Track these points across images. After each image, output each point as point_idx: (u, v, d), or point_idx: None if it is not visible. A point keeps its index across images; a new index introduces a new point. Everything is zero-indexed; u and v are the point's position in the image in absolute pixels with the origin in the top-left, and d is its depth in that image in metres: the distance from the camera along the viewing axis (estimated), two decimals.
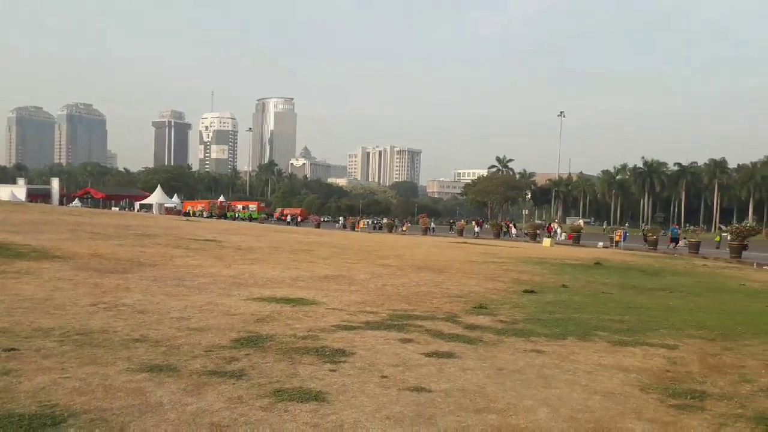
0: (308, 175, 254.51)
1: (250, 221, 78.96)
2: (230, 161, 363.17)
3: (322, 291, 11.76)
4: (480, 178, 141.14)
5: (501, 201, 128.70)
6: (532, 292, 13.16)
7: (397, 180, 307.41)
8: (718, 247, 42.69)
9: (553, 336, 8.15)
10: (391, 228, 68.79)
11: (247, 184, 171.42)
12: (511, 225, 65.18)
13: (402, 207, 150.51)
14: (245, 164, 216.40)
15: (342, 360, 6.32)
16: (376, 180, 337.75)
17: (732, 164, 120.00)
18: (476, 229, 62.38)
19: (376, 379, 5.71)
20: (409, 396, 5.23)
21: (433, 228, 67.66)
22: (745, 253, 32.65)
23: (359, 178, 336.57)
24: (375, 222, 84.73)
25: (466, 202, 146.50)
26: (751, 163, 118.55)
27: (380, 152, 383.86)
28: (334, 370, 5.91)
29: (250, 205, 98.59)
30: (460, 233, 59.64)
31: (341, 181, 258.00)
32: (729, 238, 37.17)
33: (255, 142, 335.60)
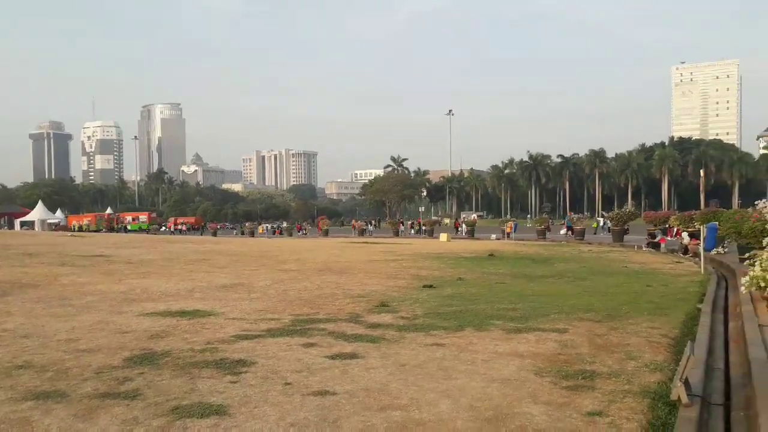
0: (201, 182, 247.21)
1: (142, 233, 75.82)
2: (116, 171, 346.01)
3: (220, 301, 11.47)
4: (377, 178, 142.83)
5: (398, 199, 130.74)
6: (431, 287, 13.44)
7: (294, 183, 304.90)
8: (595, 233, 45.82)
9: (452, 328, 8.37)
10: (291, 232, 68.21)
11: (136, 195, 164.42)
12: (408, 223, 66.99)
13: (301, 210, 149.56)
14: (133, 174, 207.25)
15: (243, 370, 6.18)
16: (274, 184, 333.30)
17: (610, 154, 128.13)
18: (369, 227, 63.69)
19: (279, 386, 5.63)
20: (313, 401, 5.20)
21: (366, 230, 67.36)
22: (626, 237, 34.90)
23: (256, 183, 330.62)
24: (275, 226, 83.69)
25: (365, 202, 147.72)
26: (628, 152, 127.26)
27: (276, 155, 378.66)
28: (235, 382, 5.78)
29: (140, 216, 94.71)
30: (361, 233, 60.05)
31: (237, 187, 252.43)
32: (610, 223, 39.69)
33: (142, 150, 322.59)
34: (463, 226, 55.74)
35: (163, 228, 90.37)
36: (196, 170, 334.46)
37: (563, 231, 46.44)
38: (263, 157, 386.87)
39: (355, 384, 5.68)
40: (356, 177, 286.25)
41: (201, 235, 71.54)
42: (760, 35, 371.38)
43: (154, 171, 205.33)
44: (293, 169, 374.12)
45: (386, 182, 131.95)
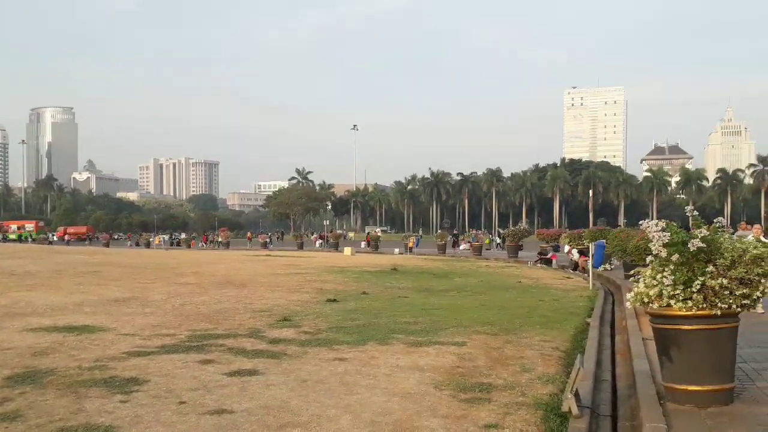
0: (94, 190, 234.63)
1: (28, 242, 71.08)
2: (1, 177, 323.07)
3: (111, 316, 10.90)
4: (281, 190, 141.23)
5: (303, 212, 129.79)
6: (334, 300, 13.40)
7: (194, 193, 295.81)
8: (488, 249, 47.78)
9: (355, 342, 8.36)
10: (189, 243, 66.05)
11: (23, 202, 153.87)
12: (314, 236, 66.90)
13: (201, 221, 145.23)
14: (19, 180, 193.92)
15: (134, 389, 5.89)
16: (172, 193, 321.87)
17: (507, 173, 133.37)
18: (269, 241, 63.15)
19: (174, 405, 5.41)
20: (209, 420, 5.02)
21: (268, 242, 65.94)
22: (520, 253, 36.32)
23: (153, 192, 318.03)
24: (172, 237, 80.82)
25: (268, 214, 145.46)
26: (522, 172, 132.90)
27: (175, 164, 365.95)
28: (125, 401, 5.49)
29: (26, 225, 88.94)
30: (264, 246, 59.14)
31: (132, 196, 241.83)
32: (506, 240, 41.23)
33: (30, 155, 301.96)
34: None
35: (53, 237, 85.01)
36: (88, 177, 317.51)
37: (462, 246, 47.90)
38: (161, 165, 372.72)
39: (254, 402, 5.54)
40: (260, 188, 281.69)
41: (89, 245, 67.89)
42: (644, 63, 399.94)
43: (43, 177, 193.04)
44: (193, 178, 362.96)
45: (290, 195, 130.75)
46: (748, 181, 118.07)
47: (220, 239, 66.51)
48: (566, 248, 30.19)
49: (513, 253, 36.29)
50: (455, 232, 70.96)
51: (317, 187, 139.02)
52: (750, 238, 9.83)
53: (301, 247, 57.57)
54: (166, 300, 13.46)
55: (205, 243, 65.99)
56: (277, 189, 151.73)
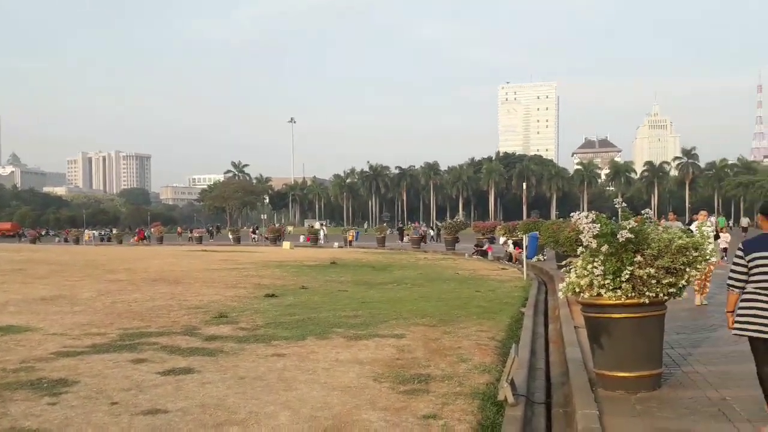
0: (19, 185, 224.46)
1: None
2: None
3: (38, 315, 10.46)
4: (216, 184, 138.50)
5: (239, 206, 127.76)
6: (273, 296, 13.25)
7: (125, 187, 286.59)
8: (426, 242, 48.19)
9: (294, 338, 8.29)
10: (121, 239, 64.00)
11: None
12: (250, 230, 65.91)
13: (133, 216, 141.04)
14: None
15: (63, 391, 5.67)
16: (102, 188, 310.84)
17: (444, 167, 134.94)
18: (194, 235, 61.71)
19: (105, 407, 5.23)
20: (143, 420, 4.88)
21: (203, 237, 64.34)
22: (458, 245, 36.81)
23: (82, 187, 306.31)
24: (103, 233, 78.13)
25: (203, 209, 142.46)
26: (459, 165, 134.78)
27: (104, 157, 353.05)
28: (54, 404, 5.28)
29: None
30: (199, 241, 57.94)
31: (60, 190, 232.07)
32: (432, 232, 41.69)
33: None
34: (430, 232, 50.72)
35: None
36: (12, 171, 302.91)
37: (405, 239, 48.18)
38: (90, 158, 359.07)
39: (190, 400, 5.42)
40: (194, 182, 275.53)
41: (15, 242, 64.94)
42: (577, 59, 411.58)
43: None
44: (124, 172, 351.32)
45: (226, 188, 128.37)
46: (674, 173, 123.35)
47: (151, 234, 64.67)
48: (501, 240, 30.80)
49: (450, 245, 36.73)
50: (400, 225, 71.03)
51: (254, 181, 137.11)
52: (694, 225, 10.43)
53: (237, 241, 56.68)
54: (96, 298, 13.02)
55: (142, 239, 63.85)
56: (212, 183, 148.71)
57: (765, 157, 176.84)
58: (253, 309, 11.31)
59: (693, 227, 10.18)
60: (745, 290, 4.48)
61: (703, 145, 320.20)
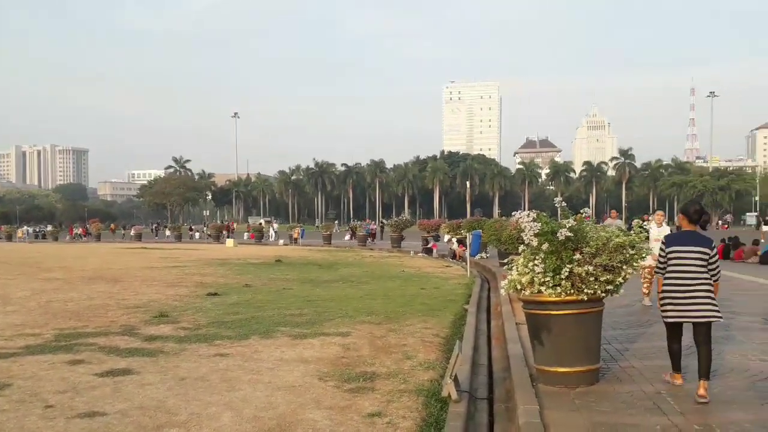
0: None
1: None
2: None
3: None
4: (157, 180, 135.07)
5: (181, 203, 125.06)
6: (215, 294, 13.04)
7: (61, 182, 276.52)
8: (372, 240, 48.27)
9: (237, 337, 8.18)
10: (57, 236, 61.77)
11: None
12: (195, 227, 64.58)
13: (69, 212, 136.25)
14: None
15: None
16: (37, 183, 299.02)
17: (390, 165, 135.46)
18: (131, 233, 60.19)
19: (39, 410, 5.04)
20: (79, 424, 4.73)
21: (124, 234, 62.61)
22: (403, 243, 37.04)
23: (15, 182, 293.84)
24: (37, 230, 75.23)
25: (143, 205, 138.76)
26: (405, 163, 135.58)
27: (39, 151, 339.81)
28: None
29: None
30: (138, 238, 56.47)
31: None
32: (389, 230, 41.89)
33: None
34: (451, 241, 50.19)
35: None
36: None
37: (347, 237, 48.24)
38: (24, 152, 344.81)
39: (129, 402, 5.28)
40: (134, 177, 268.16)
41: None
42: (519, 60, 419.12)
43: None
44: (60, 167, 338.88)
45: (167, 184, 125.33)
46: (611, 173, 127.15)
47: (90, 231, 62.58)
48: (446, 238, 31.14)
49: (396, 243, 36.94)
50: (353, 224, 69.70)
51: (196, 177, 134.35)
52: (652, 226, 10.84)
53: (179, 238, 55.54)
54: (30, 297, 12.55)
55: (84, 235, 61.62)
56: (153, 178, 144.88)
57: (697, 158, 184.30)
58: (195, 308, 11.09)
59: (651, 227, 10.61)
60: (664, 277, 5.39)
61: (639, 145, 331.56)
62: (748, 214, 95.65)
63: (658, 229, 10.88)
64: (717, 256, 5.40)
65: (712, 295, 5.26)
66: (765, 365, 6.20)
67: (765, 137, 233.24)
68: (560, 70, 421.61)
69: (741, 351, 6.77)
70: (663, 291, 5.37)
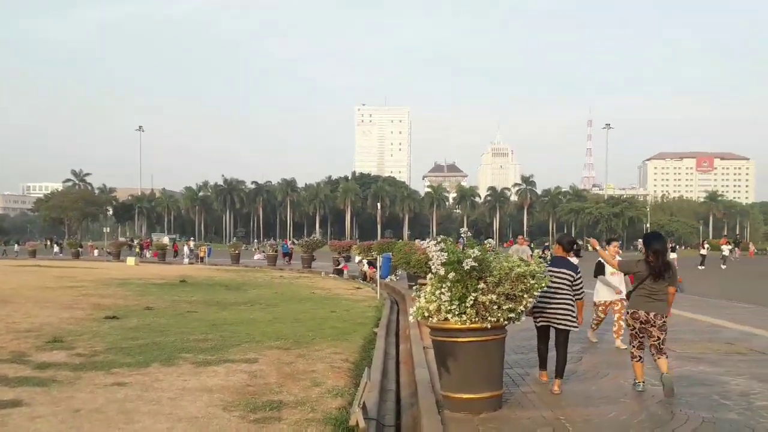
0: None
1: None
2: None
3: None
4: (54, 193, 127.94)
5: (80, 218, 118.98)
6: (114, 317, 12.45)
7: None
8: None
9: (137, 364, 7.85)
10: None
11: None
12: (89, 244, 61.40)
13: None
14: None
15: None
16: None
17: (302, 184, 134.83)
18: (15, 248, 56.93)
19: None
20: None
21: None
22: (314, 263, 36.85)
23: None
24: None
25: (39, 219, 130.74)
26: (316, 183, 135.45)
27: None
28: None
29: None
30: (33, 255, 53.18)
31: None
32: (301, 250, 41.59)
33: None
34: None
35: None
36: None
37: (257, 256, 47.46)
38: None
39: None
40: (29, 190, 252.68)
41: None
42: (429, 86, 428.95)
43: None
44: None
45: (65, 198, 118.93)
46: (514, 198, 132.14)
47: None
48: (357, 259, 31.26)
49: (307, 263, 36.70)
50: (274, 243, 65.03)
51: (96, 191, 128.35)
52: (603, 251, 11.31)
53: (77, 255, 52.75)
54: None
55: None
56: (50, 192, 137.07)
57: (594, 185, 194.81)
58: (92, 332, 10.55)
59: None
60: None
61: (540, 172, 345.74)
62: (640, 240, 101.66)
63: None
64: (581, 280, 6.63)
65: (572, 309, 6.50)
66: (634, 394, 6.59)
67: (655, 168, 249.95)
68: (466, 98, 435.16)
69: (625, 376, 7.14)
70: (537, 301, 6.25)
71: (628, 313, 6.68)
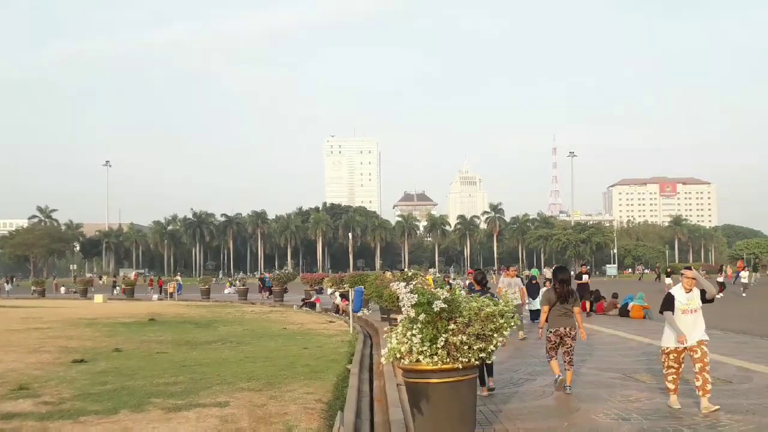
0: None
1: None
2: None
3: None
4: (19, 230, 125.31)
5: (45, 254, 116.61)
6: (82, 361, 12.19)
7: None
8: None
9: (105, 412, 7.70)
10: None
11: None
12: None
13: None
14: None
15: None
16: None
17: (272, 216, 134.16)
18: (7, 287, 55.57)
19: None
20: None
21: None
22: (285, 296, 36.60)
23: None
24: None
25: (2, 257, 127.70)
26: (287, 214, 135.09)
27: None
28: None
29: None
30: None
31: None
32: (272, 283, 41.29)
33: None
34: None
35: None
36: None
37: (227, 290, 47.08)
38: None
39: None
40: None
41: None
42: (394, 115, 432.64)
43: None
44: None
45: (30, 235, 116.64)
46: (483, 226, 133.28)
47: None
48: (329, 291, 31.18)
49: (278, 296, 36.43)
50: (262, 276, 59.96)
51: (63, 227, 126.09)
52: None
53: (42, 294, 51.61)
54: None
55: None
56: (14, 228, 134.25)
57: (561, 212, 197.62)
58: (59, 378, 10.32)
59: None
60: None
61: (508, 200, 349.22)
62: (608, 265, 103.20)
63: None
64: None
65: None
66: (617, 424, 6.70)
67: (620, 193, 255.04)
68: (434, 127, 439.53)
69: (604, 408, 7.26)
70: None
71: (550, 332, 8.43)
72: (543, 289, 11.94)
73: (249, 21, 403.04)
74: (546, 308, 8.49)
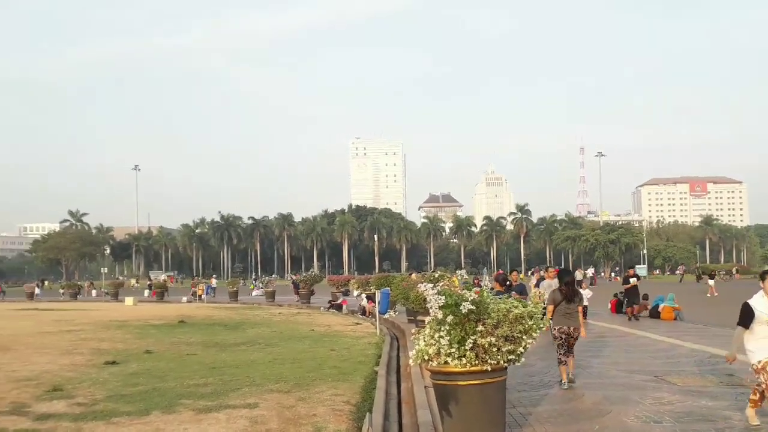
0: None
1: None
2: None
3: None
4: (51, 234, 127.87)
5: (77, 258, 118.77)
6: (114, 363, 12.40)
7: None
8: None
9: (137, 413, 7.81)
10: None
11: None
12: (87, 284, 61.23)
13: None
14: None
15: None
16: None
17: (298, 218, 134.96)
18: (37, 291, 56.37)
19: None
20: None
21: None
22: (312, 298, 36.76)
23: None
24: None
25: (36, 260, 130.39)
26: (313, 217, 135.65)
27: None
28: None
29: None
30: (31, 297, 52.90)
31: None
32: (300, 285, 41.53)
33: None
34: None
35: None
36: None
37: (255, 292, 47.39)
38: None
39: None
40: (26, 231, 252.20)
41: None
42: (422, 116, 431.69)
43: None
44: None
45: (63, 238, 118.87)
46: (510, 227, 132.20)
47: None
48: (355, 293, 31.26)
49: (305, 298, 36.61)
50: (294, 277, 57.74)
51: (94, 230, 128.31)
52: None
53: (74, 296, 52.55)
54: None
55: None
56: (46, 232, 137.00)
57: (589, 212, 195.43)
58: (92, 380, 10.51)
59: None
60: None
61: (535, 201, 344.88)
62: (638, 266, 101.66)
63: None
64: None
65: None
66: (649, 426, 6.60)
67: (649, 193, 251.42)
68: (459, 127, 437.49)
69: (635, 411, 7.16)
70: None
71: (555, 329, 8.90)
72: (549, 289, 12.50)
73: (282, 19, 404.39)
74: (551, 307, 8.98)
